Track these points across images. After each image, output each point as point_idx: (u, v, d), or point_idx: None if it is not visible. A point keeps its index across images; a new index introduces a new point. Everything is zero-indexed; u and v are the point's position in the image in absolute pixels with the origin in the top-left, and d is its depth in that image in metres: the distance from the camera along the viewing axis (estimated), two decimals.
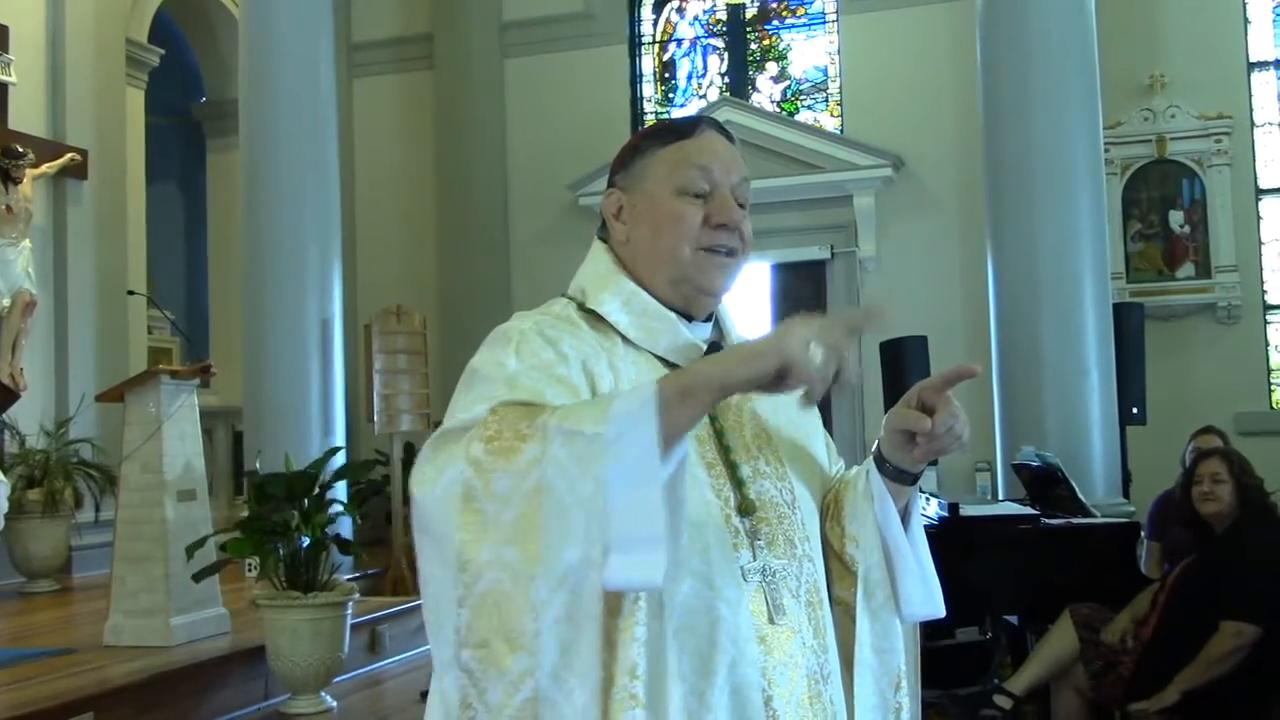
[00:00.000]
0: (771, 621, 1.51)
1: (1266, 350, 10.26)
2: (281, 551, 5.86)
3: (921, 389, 1.51)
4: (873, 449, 1.65)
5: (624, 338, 1.61)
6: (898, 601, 1.63)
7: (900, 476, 1.61)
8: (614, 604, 1.31)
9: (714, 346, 1.65)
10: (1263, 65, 10.49)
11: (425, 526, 1.39)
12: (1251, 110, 10.37)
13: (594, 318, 1.63)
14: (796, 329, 1.34)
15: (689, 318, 1.65)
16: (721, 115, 9.52)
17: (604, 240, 1.73)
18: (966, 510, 5.47)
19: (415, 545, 1.43)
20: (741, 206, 1.64)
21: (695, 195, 1.63)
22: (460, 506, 1.33)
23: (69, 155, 9.36)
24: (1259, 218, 10.34)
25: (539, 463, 1.31)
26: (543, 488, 1.30)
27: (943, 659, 5.53)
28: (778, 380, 1.34)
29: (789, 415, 1.69)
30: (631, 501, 1.28)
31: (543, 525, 1.30)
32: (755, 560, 1.53)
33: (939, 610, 1.65)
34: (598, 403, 1.38)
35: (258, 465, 7.24)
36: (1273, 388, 10.27)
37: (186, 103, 12.63)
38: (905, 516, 1.64)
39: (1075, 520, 5.75)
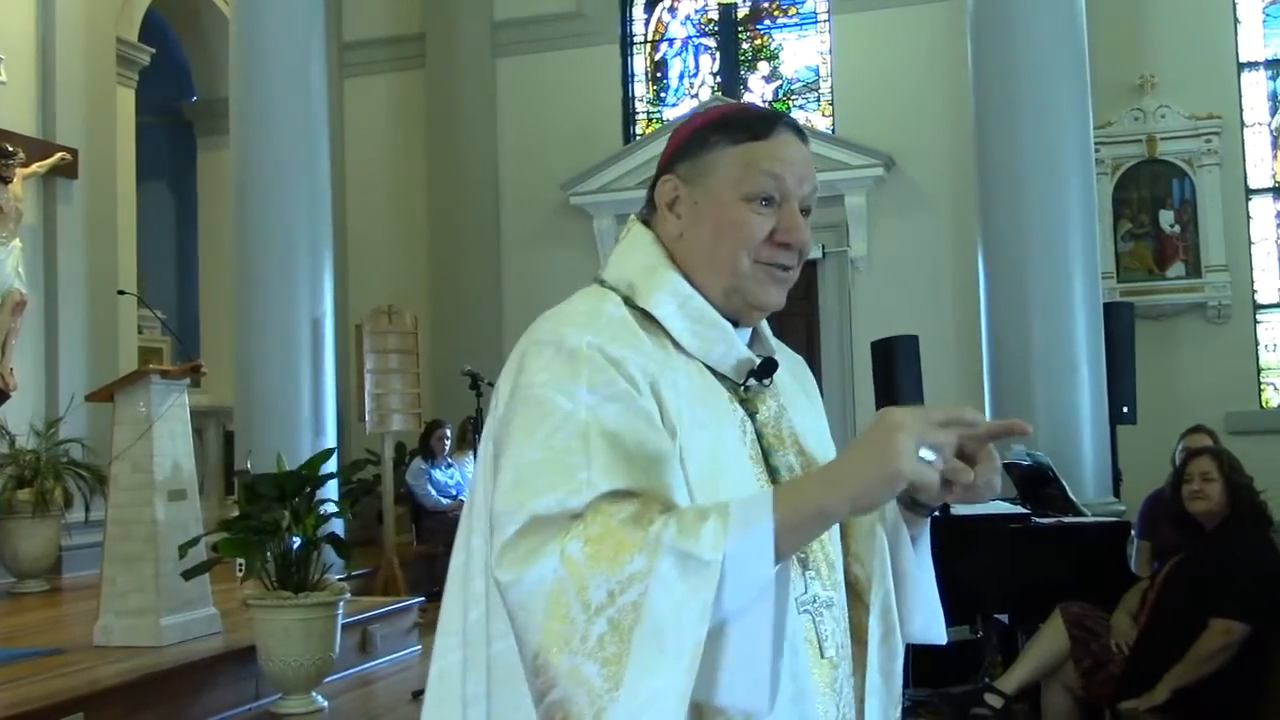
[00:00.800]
0: (821, 655, 1.48)
1: (1256, 349, 10.29)
2: (272, 552, 5.85)
3: (964, 436, 1.34)
4: None
5: (675, 343, 1.51)
6: (902, 625, 1.60)
7: (916, 508, 1.54)
8: None
9: (768, 363, 1.55)
10: (1252, 65, 10.52)
11: (507, 609, 1.31)
12: (1241, 110, 10.40)
13: (644, 317, 1.50)
14: (903, 440, 1.26)
15: (734, 324, 1.57)
16: None
17: (646, 224, 1.61)
18: (957, 509, 5.47)
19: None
20: (806, 213, 1.55)
21: (763, 202, 1.51)
22: (545, 607, 1.26)
23: (59, 154, 9.34)
24: (1249, 217, 10.37)
25: (644, 578, 1.24)
26: (641, 605, 1.23)
27: (934, 658, 5.53)
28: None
29: (810, 420, 1.64)
30: (745, 629, 1.26)
31: (633, 644, 1.23)
32: (806, 592, 1.49)
33: (942, 637, 1.62)
34: (706, 520, 1.28)
35: (249, 465, 7.23)
36: (1262, 387, 10.30)
37: (177, 102, 12.60)
38: (914, 542, 1.59)
39: (1066, 519, 5.76)
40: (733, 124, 1.55)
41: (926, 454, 1.28)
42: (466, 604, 1.48)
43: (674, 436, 1.42)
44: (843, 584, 1.56)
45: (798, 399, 1.64)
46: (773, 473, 1.52)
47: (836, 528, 1.57)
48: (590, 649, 1.24)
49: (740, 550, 1.26)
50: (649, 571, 1.24)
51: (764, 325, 1.64)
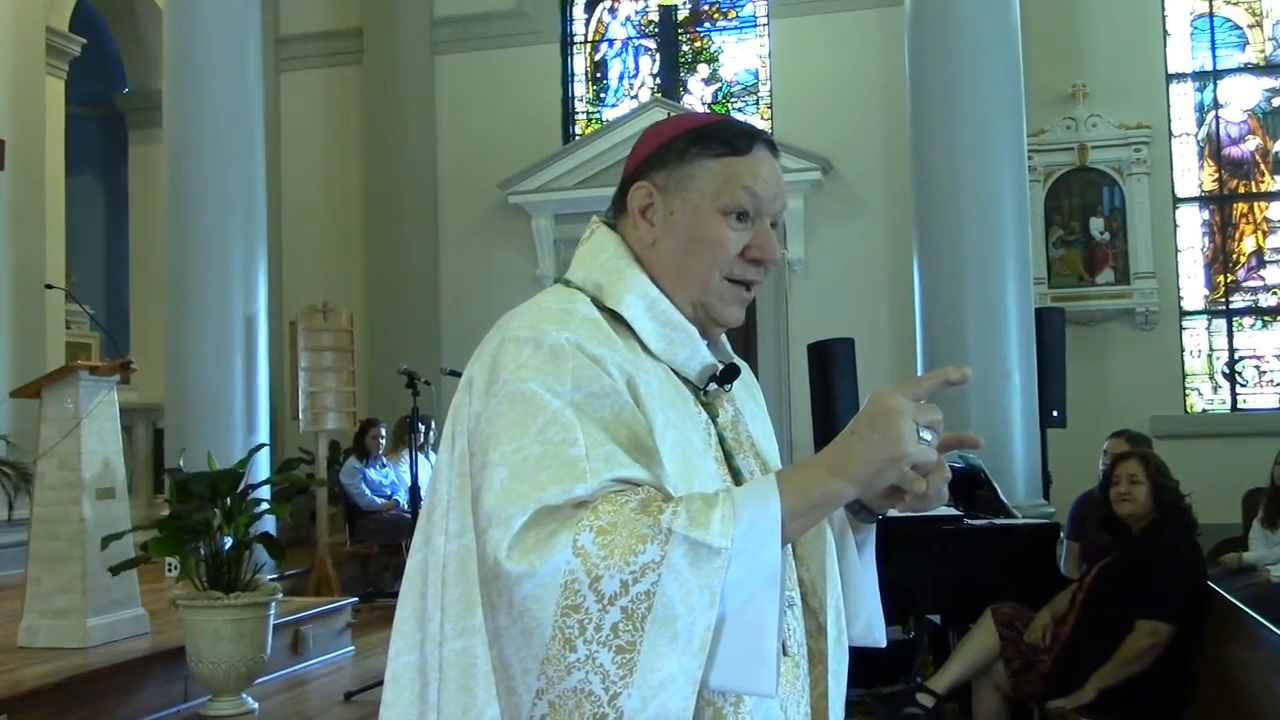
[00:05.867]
0: (785, 653, 1.48)
1: (1181, 355, 10.50)
2: (203, 551, 5.77)
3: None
4: None
5: (643, 345, 1.52)
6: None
7: (863, 513, 1.58)
8: None
9: (730, 369, 1.58)
10: (1180, 77, 10.74)
11: (510, 605, 1.31)
12: (1170, 120, 10.62)
13: (613, 318, 1.51)
14: (904, 422, 1.31)
15: None
16: (652, 116, 9.54)
17: (610, 227, 1.62)
18: (890, 511, 5.52)
19: (488, 603, 1.35)
20: (774, 228, 1.58)
21: (739, 217, 1.53)
22: (559, 599, 1.28)
23: None
24: (1176, 226, 10.59)
25: (656, 567, 1.27)
26: (654, 593, 1.26)
27: (866, 658, 5.57)
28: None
29: (760, 426, 1.66)
30: (751, 614, 1.29)
31: (646, 631, 1.26)
32: None
33: (882, 640, 1.66)
34: (714, 507, 1.30)
35: (181, 463, 7.12)
36: (1187, 392, 10.52)
37: (108, 93, 12.39)
38: (859, 547, 1.63)
39: (997, 521, 5.84)
40: (711, 136, 1.56)
41: (926, 435, 1.33)
42: (426, 606, 1.47)
43: (650, 435, 1.43)
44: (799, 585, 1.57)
45: (749, 405, 1.67)
46: (735, 474, 1.54)
47: None
48: (604, 637, 1.27)
49: (749, 537, 1.29)
50: (661, 561, 1.27)
51: (722, 335, 1.66)
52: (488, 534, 1.33)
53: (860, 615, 1.63)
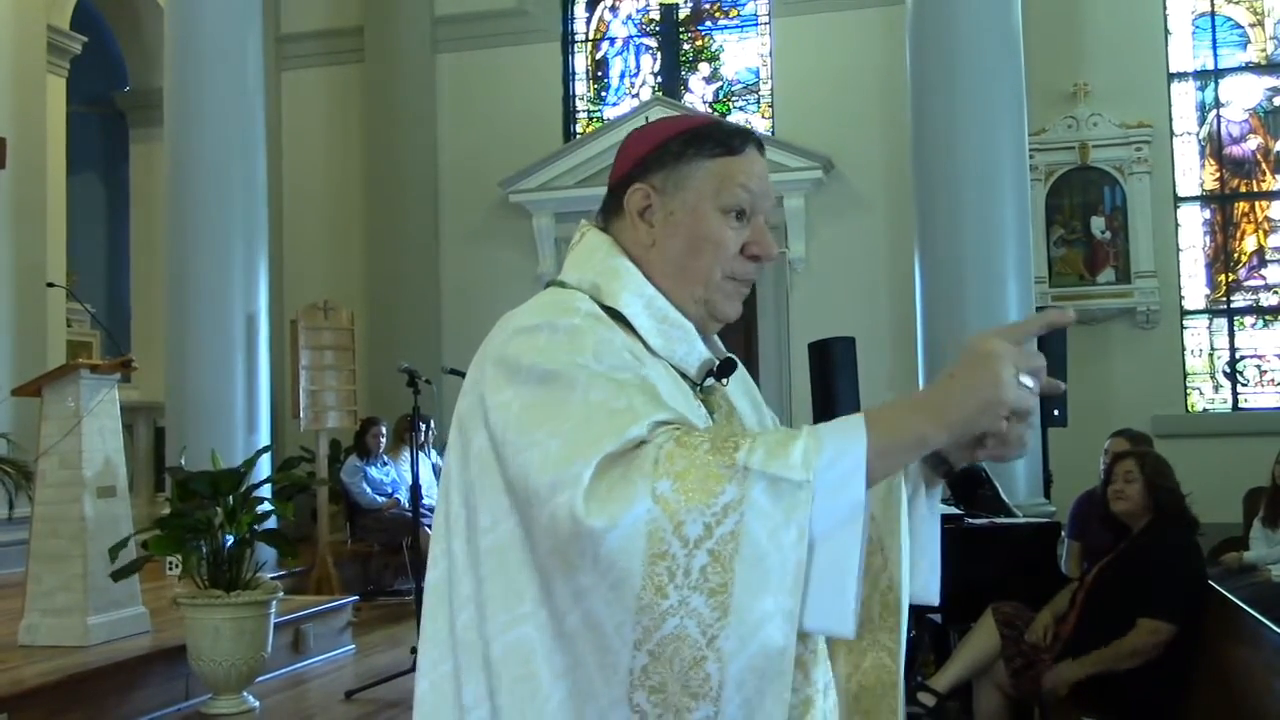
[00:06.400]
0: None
1: (1182, 355, 10.49)
2: (204, 549, 5.78)
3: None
4: None
5: (643, 342, 1.54)
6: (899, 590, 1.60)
7: (940, 465, 1.54)
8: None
9: (727, 363, 1.61)
10: (1182, 76, 10.73)
11: (596, 561, 1.29)
12: (1171, 120, 10.61)
13: (611, 316, 1.53)
14: (1004, 367, 1.29)
15: None
16: (653, 114, 9.49)
17: (601, 230, 1.64)
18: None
19: (564, 568, 1.32)
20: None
21: (736, 215, 1.57)
22: (645, 548, 1.27)
23: None
24: (1177, 225, 10.58)
25: (737, 507, 1.26)
26: (739, 533, 1.26)
27: None
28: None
29: (753, 419, 1.67)
30: (833, 552, 1.27)
31: (736, 572, 1.26)
32: None
33: (936, 598, 1.62)
34: (795, 441, 1.30)
35: (182, 461, 7.12)
36: (1188, 391, 10.51)
37: (109, 91, 12.39)
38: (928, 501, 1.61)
39: (998, 520, 5.84)
40: (706, 137, 1.59)
41: (1027, 380, 1.30)
42: (453, 610, 1.46)
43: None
44: None
45: (741, 401, 1.68)
46: None
47: None
48: (695, 581, 1.26)
49: (832, 471, 1.27)
50: (741, 500, 1.26)
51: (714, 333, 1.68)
52: (555, 500, 1.31)
53: (922, 570, 1.60)
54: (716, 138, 1.59)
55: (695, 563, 1.26)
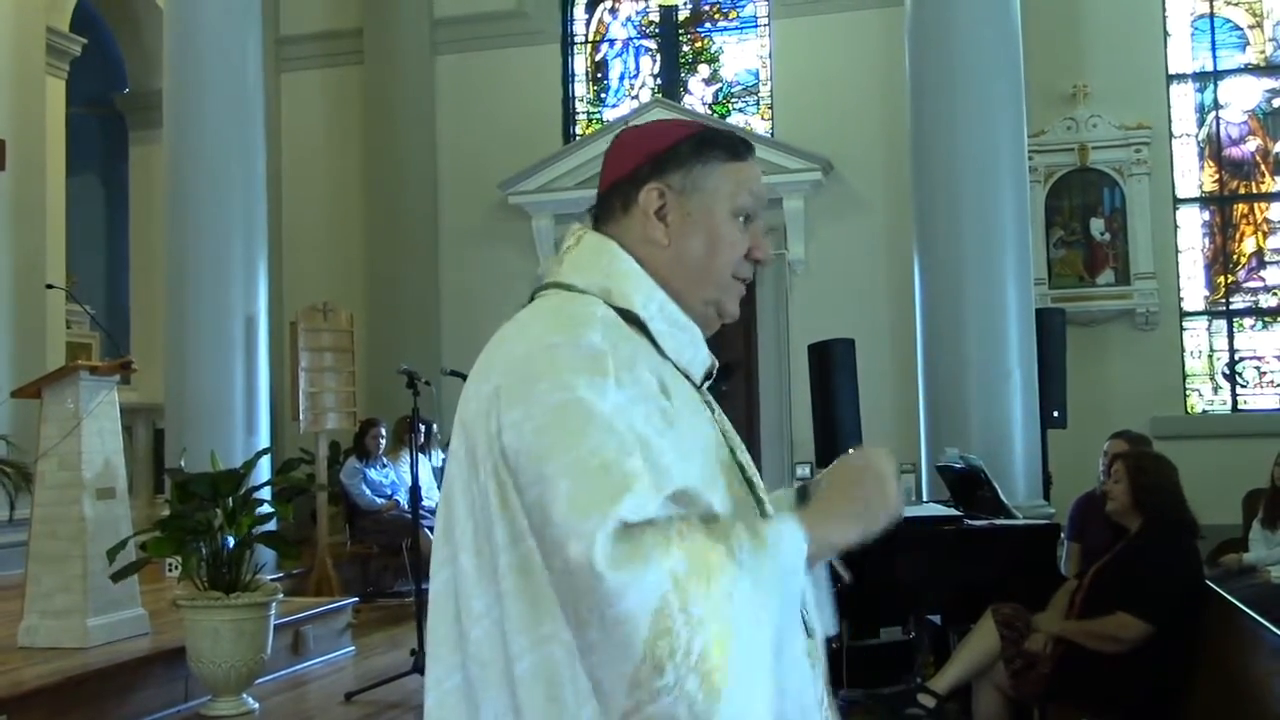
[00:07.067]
0: (812, 668, 1.58)
1: (1181, 356, 10.50)
2: (204, 551, 5.77)
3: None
4: (797, 484, 1.72)
5: (656, 346, 1.55)
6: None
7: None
8: None
9: (725, 368, 1.67)
10: (1181, 78, 10.73)
11: (602, 621, 1.31)
12: (1170, 121, 10.61)
13: (629, 321, 1.54)
14: (891, 483, 1.55)
15: None
16: (653, 116, 9.48)
17: (599, 232, 1.64)
18: None
19: (574, 622, 1.36)
20: None
21: (744, 219, 1.62)
22: (652, 621, 1.29)
23: None
24: (1176, 226, 10.58)
25: (730, 598, 1.33)
26: (731, 619, 1.33)
27: (866, 658, 5.58)
28: None
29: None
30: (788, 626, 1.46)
31: (731, 656, 1.32)
32: None
33: (834, 629, 1.73)
34: (767, 545, 1.42)
35: (182, 463, 7.13)
36: (1188, 393, 10.51)
37: (109, 93, 12.38)
38: None
39: (997, 521, 5.84)
40: (714, 142, 1.63)
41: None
42: (464, 625, 1.45)
43: (685, 435, 1.49)
44: None
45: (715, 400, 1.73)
46: (741, 469, 1.60)
47: None
48: (692, 664, 1.30)
49: (787, 575, 1.43)
50: (734, 590, 1.34)
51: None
52: (566, 548, 1.32)
53: (825, 612, 1.69)
54: (724, 143, 1.63)
55: (695, 644, 1.30)
